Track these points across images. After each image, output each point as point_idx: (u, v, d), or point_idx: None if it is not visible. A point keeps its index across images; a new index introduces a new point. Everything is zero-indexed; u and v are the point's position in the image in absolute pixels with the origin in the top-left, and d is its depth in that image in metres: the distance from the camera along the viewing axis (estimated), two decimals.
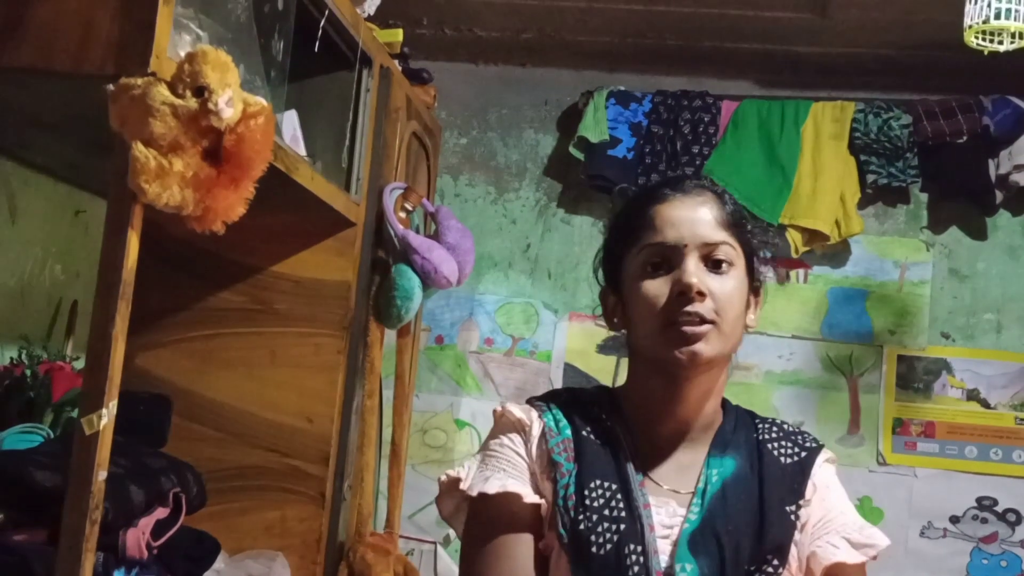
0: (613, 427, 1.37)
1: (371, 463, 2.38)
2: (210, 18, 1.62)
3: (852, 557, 1.32)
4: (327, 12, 1.99)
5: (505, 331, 3.45)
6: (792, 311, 3.32)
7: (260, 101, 1.43)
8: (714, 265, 1.32)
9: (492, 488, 1.32)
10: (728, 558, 1.26)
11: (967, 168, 3.16)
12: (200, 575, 1.94)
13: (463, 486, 1.34)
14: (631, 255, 1.36)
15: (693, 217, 1.33)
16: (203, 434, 2.22)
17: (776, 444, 1.37)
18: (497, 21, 3.21)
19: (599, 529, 1.28)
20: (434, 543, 3.30)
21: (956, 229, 3.30)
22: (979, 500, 3.17)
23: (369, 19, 2.33)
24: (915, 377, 3.25)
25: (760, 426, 1.40)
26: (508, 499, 1.32)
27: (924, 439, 3.22)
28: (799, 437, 1.40)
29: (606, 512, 1.29)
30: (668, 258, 1.32)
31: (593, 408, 1.40)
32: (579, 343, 3.40)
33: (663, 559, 1.27)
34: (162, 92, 1.35)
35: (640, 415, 1.37)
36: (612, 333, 1.44)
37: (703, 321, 1.29)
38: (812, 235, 3.20)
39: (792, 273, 3.34)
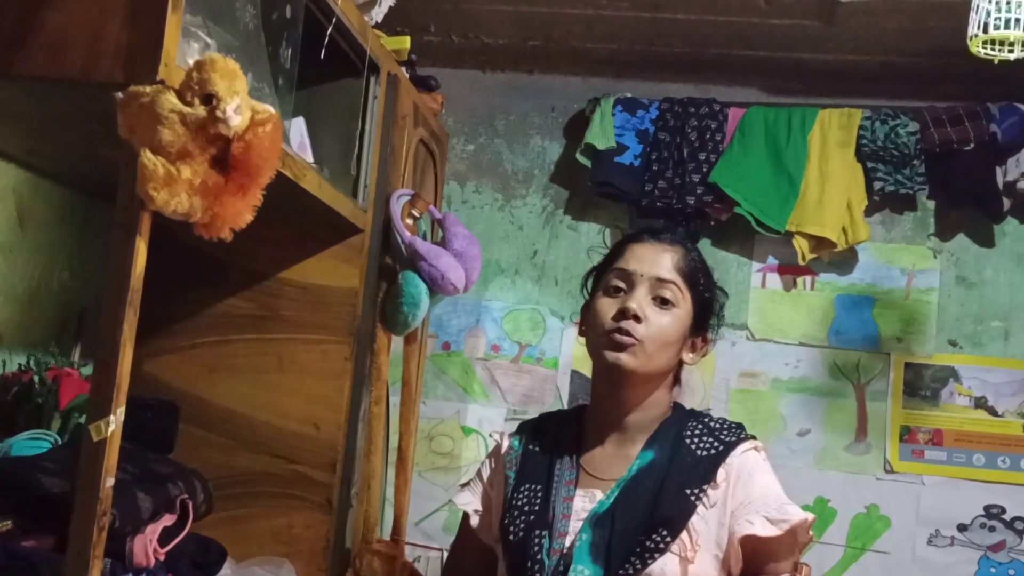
0: (562, 437, 1.71)
1: (378, 470, 2.38)
2: (218, 26, 1.63)
3: (766, 531, 1.55)
4: (335, 20, 2.00)
5: (512, 338, 3.45)
6: (799, 318, 3.32)
7: (268, 108, 1.43)
8: (660, 302, 1.64)
9: (459, 502, 1.78)
10: (617, 529, 1.55)
11: (974, 175, 3.15)
12: None
13: (453, 496, 1.81)
14: (603, 276, 1.70)
15: (655, 258, 1.67)
16: (210, 440, 2.22)
17: (697, 439, 1.64)
18: (504, 28, 3.22)
19: (517, 522, 1.63)
20: (440, 550, 3.29)
21: (963, 236, 3.29)
22: (987, 508, 3.15)
23: (376, 26, 2.33)
24: (922, 384, 3.24)
25: (690, 425, 1.67)
26: (465, 513, 1.78)
27: (931, 447, 3.21)
28: (724, 433, 1.65)
29: (525, 508, 1.64)
30: (626, 283, 1.65)
31: (556, 425, 1.76)
32: (586, 350, 3.39)
33: (571, 538, 1.57)
34: (171, 100, 1.35)
35: (593, 416, 1.72)
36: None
37: (631, 336, 1.61)
38: (819, 242, 3.20)
39: (799, 280, 3.33)
